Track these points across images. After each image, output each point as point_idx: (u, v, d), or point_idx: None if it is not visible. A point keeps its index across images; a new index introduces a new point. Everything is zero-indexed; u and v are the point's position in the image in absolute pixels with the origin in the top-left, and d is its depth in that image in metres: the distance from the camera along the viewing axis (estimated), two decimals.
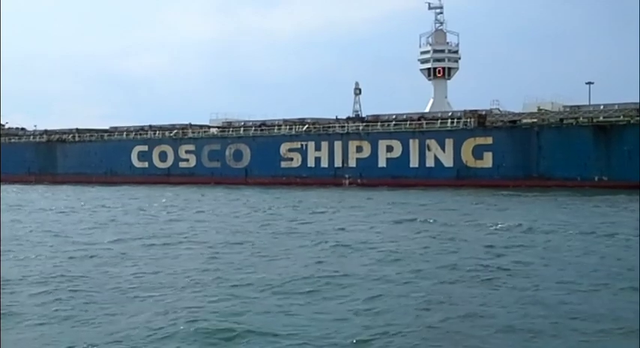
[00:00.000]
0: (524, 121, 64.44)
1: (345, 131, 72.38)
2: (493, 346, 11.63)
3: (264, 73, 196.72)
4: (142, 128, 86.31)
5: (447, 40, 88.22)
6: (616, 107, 62.93)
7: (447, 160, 65.82)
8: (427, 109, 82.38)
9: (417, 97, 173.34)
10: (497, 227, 28.90)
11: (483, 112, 67.74)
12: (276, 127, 77.44)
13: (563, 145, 60.70)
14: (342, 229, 29.60)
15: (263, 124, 79.29)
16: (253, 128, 78.79)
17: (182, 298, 15.36)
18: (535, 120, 63.02)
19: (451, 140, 65.61)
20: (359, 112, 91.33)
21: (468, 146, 64.82)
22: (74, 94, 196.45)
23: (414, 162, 67.54)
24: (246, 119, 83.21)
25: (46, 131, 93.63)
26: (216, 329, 12.51)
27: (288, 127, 76.51)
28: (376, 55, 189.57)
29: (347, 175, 70.82)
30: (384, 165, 69.12)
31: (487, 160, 63.92)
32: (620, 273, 18.05)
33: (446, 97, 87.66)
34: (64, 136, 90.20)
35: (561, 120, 61.76)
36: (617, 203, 42.47)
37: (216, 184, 73.46)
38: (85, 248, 23.60)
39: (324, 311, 14.07)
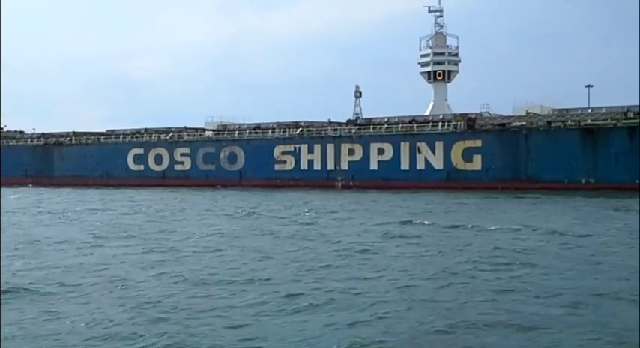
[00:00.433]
0: (513, 124, 65.33)
1: (338, 134, 73.29)
2: None
3: (265, 75, 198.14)
4: (137, 131, 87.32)
5: (447, 43, 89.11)
6: (603, 110, 63.87)
7: (437, 163, 66.70)
8: (427, 112, 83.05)
9: (417, 99, 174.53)
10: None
11: (473, 116, 68.74)
12: (270, 131, 78.39)
13: (550, 148, 61.56)
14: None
15: (257, 127, 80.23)
16: (248, 131, 79.74)
17: None
18: (523, 123, 63.87)
19: (441, 143, 66.49)
20: (359, 115, 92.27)
21: (457, 149, 65.69)
22: (75, 97, 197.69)
23: (404, 165, 68.40)
24: (241, 122, 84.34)
25: (43, 134, 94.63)
26: None
27: (281, 130, 77.44)
28: (377, 57, 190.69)
29: (339, 178, 71.69)
30: (376, 168, 70.00)
31: (476, 163, 64.77)
32: None
33: (446, 100, 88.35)
34: (61, 139, 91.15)
35: (549, 123, 62.63)
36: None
37: (210, 187, 74.53)
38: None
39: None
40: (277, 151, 75.47)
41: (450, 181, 65.00)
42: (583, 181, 59.91)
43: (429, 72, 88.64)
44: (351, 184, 70.21)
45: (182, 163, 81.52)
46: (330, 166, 72.54)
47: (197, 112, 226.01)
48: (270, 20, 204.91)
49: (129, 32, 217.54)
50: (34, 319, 13.96)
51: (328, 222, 34.45)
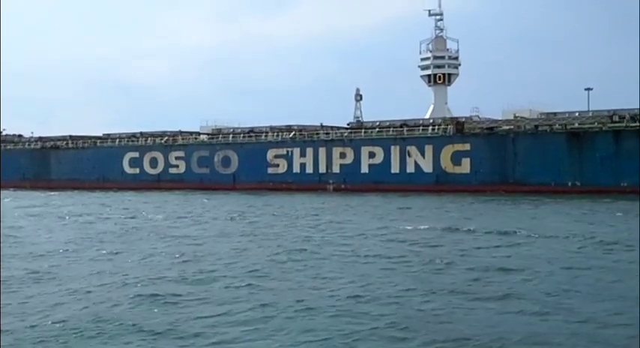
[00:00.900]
0: (502, 127, 66.16)
1: (330, 138, 74.18)
2: None
3: (265, 79, 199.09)
4: (133, 135, 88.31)
5: (447, 47, 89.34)
6: (590, 114, 64.80)
7: (427, 166, 67.52)
8: (427, 115, 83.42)
9: (417, 103, 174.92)
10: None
11: (463, 119, 69.65)
12: (263, 134, 79.32)
13: (537, 152, 62.39)
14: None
15: (251, 130, 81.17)
16: (242, 135, 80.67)
17: None
18: (511, 127, 64.69)
19: (430, 147, 67.34)
20: (360, 118, 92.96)
21: (446, 152, 66.52)
22: (76, 101, 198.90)
23: (395, 168, 69.24)
24: (236, 126, 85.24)
25: (40, 138, 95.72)
26: None
27: (274, 134, 78.35)
28: (377, 61, 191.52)
29: (331, 181, 72.55)
30: (367, 171, 70.85)
31: (465, 166, 65.60)
32: None
33: (446, 103, 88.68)
34: (58, 143, 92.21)
35: (536, 127, 63.46)
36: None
37: (204, 190, 75.34)
38: None
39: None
40: (270, 154, 76.37)
41: (439, 184, 65.81)
42: (569, 184, 60.74)
43: (429, 75, 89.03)
44: (343, 187, 71.06)
45: (177, 166, 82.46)
46: (322, 169, 73.41)
47: (198, 116, 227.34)
48: (271, 24, 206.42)
49: (129, 37, 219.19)
50: None
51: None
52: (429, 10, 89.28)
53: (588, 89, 78.47)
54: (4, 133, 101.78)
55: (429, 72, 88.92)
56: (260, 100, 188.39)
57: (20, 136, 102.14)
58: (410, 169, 68.50)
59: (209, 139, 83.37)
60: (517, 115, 67.13)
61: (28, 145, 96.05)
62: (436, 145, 67.07)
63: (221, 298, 16.33)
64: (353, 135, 73.67)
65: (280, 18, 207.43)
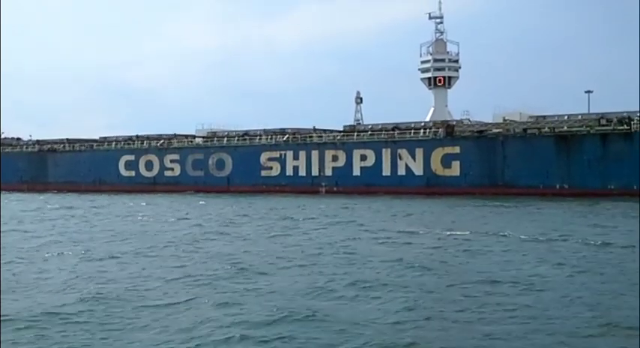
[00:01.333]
0: (492, 131, 66.74)
1: (322, 141, 74.86)
2: None
3: (266, 82, 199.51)
4: (129, 138, 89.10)
5: (447, 50, 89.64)
6: (579, 117, 65.36)
7: (418, 169, 68.17)
8: (428, 118, 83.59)
9: (418, 106, 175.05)
10: None
11: (453, 123, 70.27)
12: (257, 138, 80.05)
13: (526, 155, 62.99)
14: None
15: (246, 134, 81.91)
16: (236, 138, 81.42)
17: None
18: (501, 130, 65.30)
19: (421, 150, 67.98)
20: (360, 121, 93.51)
21: (437, 155, 67.16)
22: (77, 104, 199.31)
23: (386, 170, 69.91)
24: (231, 129, 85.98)
25: (38, 141, 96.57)
26: None
27: (268, 137, 79.08)
28: (378, 64, 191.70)
29: (323, 184, 73.21)
30: (359, 173, 71.52)
31: (455, 169, 66.23)
32: None
33: (446, 106, 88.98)
34: (55, 146, 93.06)
35: (525, 130, 64.06)
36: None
37: (199, 193, 76.13)
38: None
39: None
40: (264, 157, 77.09)
41: (430, 186, 66.44)
42: (557, 186, 61.32)
43: (429, 78, 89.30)
44: (335, 189, 71.70)
45: (172, 169, 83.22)
46: (315, 172, 74.11)
47: (198, 119, 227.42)
48: (272, 28, 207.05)
49: (131, 41, 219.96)
50: None
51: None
52: (429, 14, 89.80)
53: (588, 92, 78.62)
54: (3, 136, 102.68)
55: (429, 75, 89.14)
56: (261, 102, 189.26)
57: (19, 139, 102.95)
58: (401, 171, 69.16)
59: (204, 142, 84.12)
60: (507, 118, 67.79)
61: (26, 148, 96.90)
62: (427, 148, 67.71)
63: None
64: (345, 138, 74.36)
65: (281, 21, 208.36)
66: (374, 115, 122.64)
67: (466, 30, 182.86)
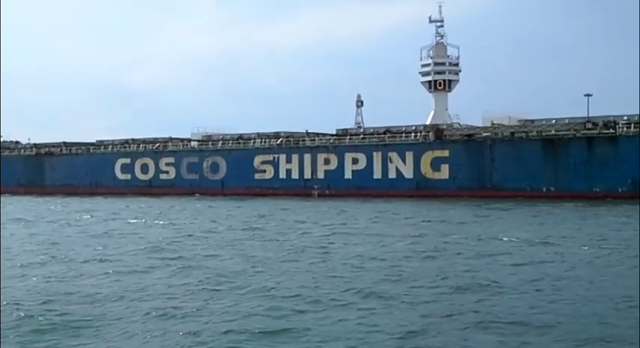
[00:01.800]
0: (482, 134, 67.81)
1: (315, 144, 75.97)
2: None
3: (266, 86, 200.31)
4: (126, 142, 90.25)
5: (448, 53, 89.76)
6: (567, 121, 66.39)
7: (408, 172, 69.25)
8: (428, 121, 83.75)
9: (418, 109, 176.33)
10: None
11: (444, 126, 71.39)
12: (251, 141, 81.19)
13: (514, 158, 64.08)
14: None
15: (240, 137, 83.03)
16: (231, 142, 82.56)
17: None
18: (489, 134, 66.37)
19: (411, 153, 69.09)
20: (361, 124, 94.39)
21: (426, 159, 68.25)
22: (79, 107, 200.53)
23: (377, 174, 70.98)
24: (226, 132, 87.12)
25: (35, 145, 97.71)
26: None
27: (262, 140, 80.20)
28: (378, 68, 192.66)
29: (316, 186, 74.28)
30: (350, 176, 72.59)
31: (444, 172, 67.32)
32: None
33: (447, 109, 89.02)
34: (52, 150, 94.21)
35: (512, 134, 65.12)
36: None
37: (194, 195, 77.25)
38: None
39: None
40: (257, 160, 78.18)
41: (420, 189, 67.49)
42: (544, 189, 62.36)
43: (429, 81, 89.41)
44: (327, 192, 72.76)
45: (167, 172, 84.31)
46: (307, 175, 75.17)
47: (198, 123, 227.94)
48: (272, 31, 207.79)
49: (131, 44, 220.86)
50: None
51: None
52: (430, 17, 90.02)
53: (588, 95, 79.04)
54: (2, 139, 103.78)
55: (429, 78, 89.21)
56: (261, 106, 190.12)
57: (17, 142, 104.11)
58: (391, 174, 70.23)
59: (199, 145, 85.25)
60: (495, 122, 68.82)
61: (24, 151, 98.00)
62: (416, 152, 68.81)
63: None
64: (337, 142, 75.47)
65: (281, 24, 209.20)
66: (375, 119, 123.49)
67: (466, 33, 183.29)
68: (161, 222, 42.89)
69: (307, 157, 75.31)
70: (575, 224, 37.92)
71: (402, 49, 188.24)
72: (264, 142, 79.82)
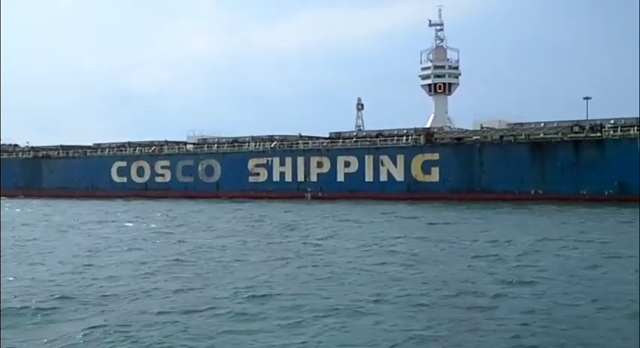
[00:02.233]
0: (472, 138, 68.81)
1: (308, 148, 77.00)
2: None
3: (266, 88, 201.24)
4: (122, 145, 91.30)
5: (448, 57, 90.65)
6: (555, 125, 67.37)
7: (399, 175, 70.26)
8: (428, 125, 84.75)
9: (418, 112, 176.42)
10: None
11: (434, 130, 72.42)
12: (246, 144, 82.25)
13: (502, 161, 65.12)
14: None
15: (235, 140, 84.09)
16: (225, 145, 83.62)
17: None
18: (478, 137, 67.39)
19: (402, 156, 70.09)
20: (361, 127, 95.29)
21: (417, 162, 69.25)
22: (79, 110, 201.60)
23: (369, 177, 71.98)
24: (222, 136, 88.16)
25: (33, 148, 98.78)
26: None
27: (256, 143, 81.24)
28: (378, 71, 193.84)
29: (309, 189, 75.29)
30: (342, 179, 73.61)
31: (434, 175, 68.34)
32: None
33: (446, 112, 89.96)
34: (50, 153, 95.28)
35: (501, 137, 66.14)
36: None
37: (189, 198, 78.15)
38: None
39: None
40: (251, 163, 79.23)
41: (411, 192, 68.45)
42: (532, 192, 63.37)
43: (429, 85, 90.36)
44: (320, 195, 73.75)
45: (162, 175, 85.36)
46: (301, 178, 76.19)
47: (197, 125, 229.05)
48: (272, 34, 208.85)
49: (131, 47, 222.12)
50: None
51: None
52: (430, 21, 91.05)
53: (587, 98, 80.00)
54: (0, 142, 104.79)
55: (429, 81, 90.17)
56: (261, 109, 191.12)
57: (16, 145, 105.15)
58: (383, 177, 71.24)
59: (194, 148, 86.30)
60: (485, 125, 69.86)
61: (22, 154, 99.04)
62: (407, 155, 69.82)
63: None
64: (330, 145, 76.50)
65: (281, 27, 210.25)
66: (375, 122, 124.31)
67: (466, 37, 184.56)
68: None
69: (300, 160, 76.35)
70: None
71: (402, 52, 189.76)
72: (259, 145, 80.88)
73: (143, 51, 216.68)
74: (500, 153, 65.59)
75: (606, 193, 59.93)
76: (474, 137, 67.81)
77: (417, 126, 77.93)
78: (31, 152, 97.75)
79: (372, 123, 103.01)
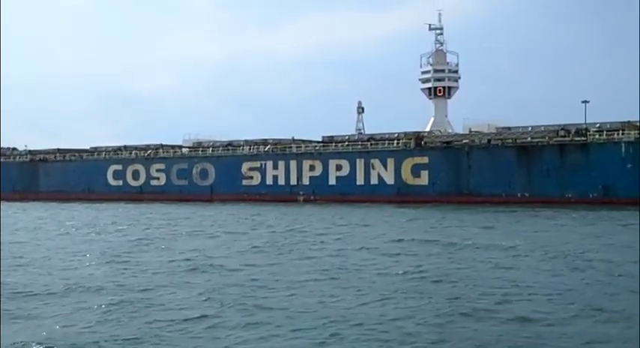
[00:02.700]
0: (460, 141, 70.05)
1: (300, 151, 78.27)
2: None
3: (267, 92, 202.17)
4: (118, 148, 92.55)
5: (447, 60, 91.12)
6: (542, 128, 68.68)
7: (389, 178, 71.54)
8: (428, 128, 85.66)
9: (418, 115, 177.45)
10: None
11: (425, 133, 73.71)
12: (240, 148, 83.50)
13: (490, 164, 66.41)
14: None
15: (229, 144, 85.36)
16: (220, 148, 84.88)
17: None
18: (467, 141, 68.66)
19: (392, 160, 71.39)
20: (362, 131, 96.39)
21: (407, 165, 70.54)
22: (81, 113, 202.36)
23: (360, 180, 73.27)
24: (217, 139, 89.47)
25: (30, 151, 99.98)
26: None
27: (250, 147, 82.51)
28: (379, 74, 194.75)
29: (301, 192, 76.54)
30: (334, 183, 74.88)
31: (424, 178, 69.61)
32: None
33: (446, 116, 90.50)
34: (46, 156, 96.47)
35: (489, 141, 67.43)
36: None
37: (183, 201, 79.38)
38: None
39: None
40: (245, 167, 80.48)
41: (401, 195, 69.72)
42: (519, 194, 64.62)
43: (429, 88, 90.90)
44: (312, 198, 74.99)
45: (158, 178, 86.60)
46: (293, 181, 77.46)
47: (196, 129, 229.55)
48: (273, 38, 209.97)
49: (134, 51, 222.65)
50: None
51: None
52: (430, 25, 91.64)
53: (585, 102, 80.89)
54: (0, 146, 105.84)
55: (429, 85, 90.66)
56: (262, 112, 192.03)
57: (14, 149, 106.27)
58: (374, 181, 72.51)
59: (189, 152, 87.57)
60: (474, 129, 71.15)
61: (19, 158, 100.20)
62: (397, 159, 71.11)
63: None
64: (322, 149, 77.77)
65: (283, 31, 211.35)
66: (376, 125, 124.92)
67: (466, 40, 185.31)
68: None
69: (293, 164, 77.60)
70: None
71: (402, 56, 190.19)
72: (252, 148, 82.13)
73: (144, 54, 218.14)
74: (488, 157, 66.87)
75: (591, 196, 61.17)
76: (463, 141, 69.01)
77: (417, 130, 79.42)
78: (29, 156, 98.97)
79: (373, 126, 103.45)
